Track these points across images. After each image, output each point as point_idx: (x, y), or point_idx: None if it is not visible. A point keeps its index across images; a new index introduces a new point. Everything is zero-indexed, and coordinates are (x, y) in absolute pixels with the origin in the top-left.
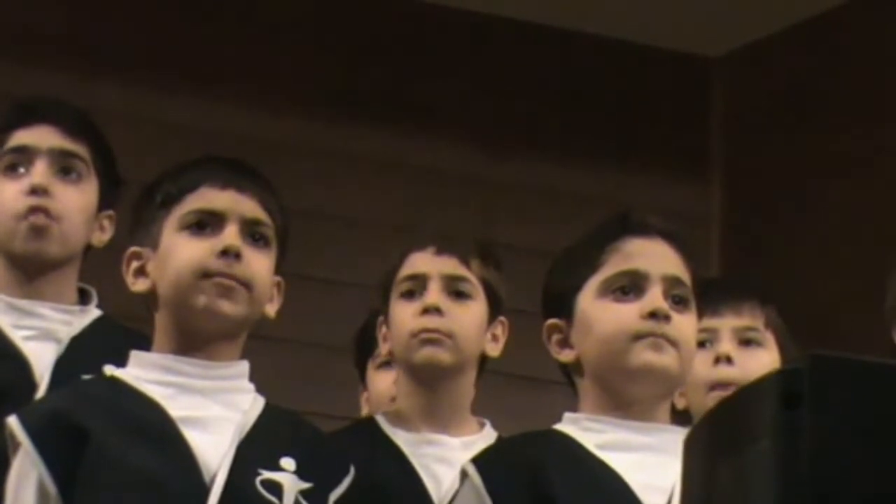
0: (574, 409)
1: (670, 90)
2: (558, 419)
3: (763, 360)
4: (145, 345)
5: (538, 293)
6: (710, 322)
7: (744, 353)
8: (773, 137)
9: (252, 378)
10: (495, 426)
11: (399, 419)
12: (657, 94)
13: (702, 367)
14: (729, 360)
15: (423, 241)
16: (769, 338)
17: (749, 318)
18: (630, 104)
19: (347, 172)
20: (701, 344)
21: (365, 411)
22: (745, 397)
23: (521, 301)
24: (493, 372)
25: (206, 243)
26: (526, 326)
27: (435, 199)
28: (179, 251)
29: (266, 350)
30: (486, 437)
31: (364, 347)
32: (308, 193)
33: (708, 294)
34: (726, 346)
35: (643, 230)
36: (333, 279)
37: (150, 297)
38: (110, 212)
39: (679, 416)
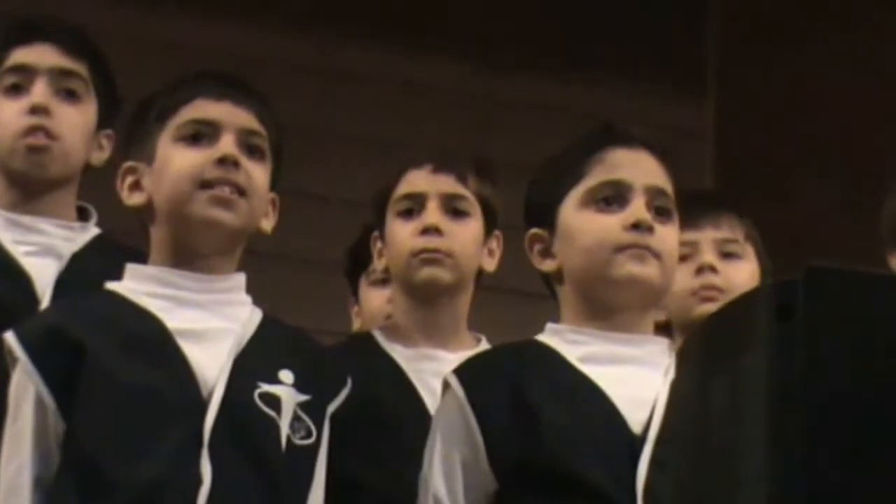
0: (557, 320)
1: (667, 3)
2: None
3: (745, 272)
4: (143, 263)
5: None
6: (690, 235)
7: (726, 265)
8: (768, 51)
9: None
10: (490, 341)
11: (396, 334)
12: (654, 8)
13: (684, 279)
14: (713, 269)
15: (420, 158)
16: (749, 249)
17: (728, 231)
18: (626, 17)
19: (342, 88)
20: (682, 258)
21: (356, 326)
22: (738, 308)
23: (516, 217)
24: (488, 287)
25: (202, 153)
26: (520, 241)
27: (430, 114)
28: (176, 162)
29: (258, 266)
30: None
31: (357, 263)
32: (301, 109)
33: (686, 207)
34: (709, 256)
35: (627, 141)
36: (326, 195)
37: (146, 210)
38: (109, 131)
39: (660, 330)
